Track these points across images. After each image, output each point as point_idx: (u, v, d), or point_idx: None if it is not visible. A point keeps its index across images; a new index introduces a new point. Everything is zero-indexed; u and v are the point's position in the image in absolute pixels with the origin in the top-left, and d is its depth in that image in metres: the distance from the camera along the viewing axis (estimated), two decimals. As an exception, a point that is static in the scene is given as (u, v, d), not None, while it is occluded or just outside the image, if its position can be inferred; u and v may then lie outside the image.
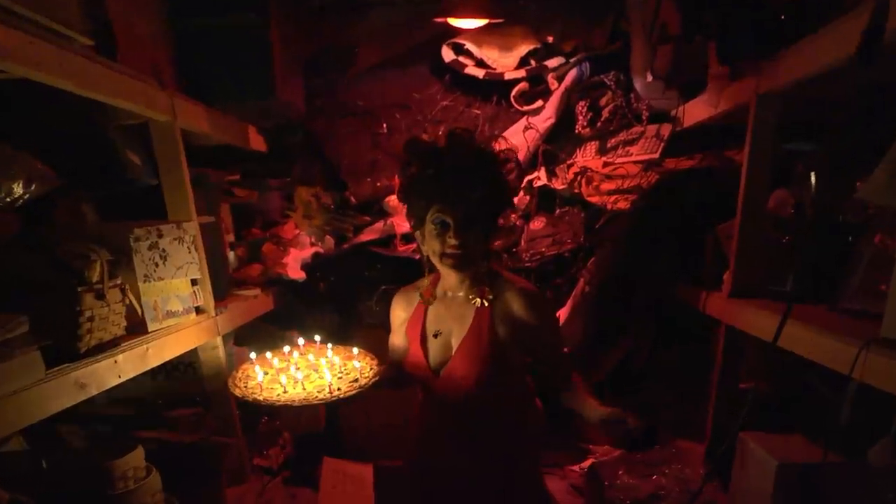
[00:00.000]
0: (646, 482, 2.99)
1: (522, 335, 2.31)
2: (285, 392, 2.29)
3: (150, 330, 2.54)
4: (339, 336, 3.79)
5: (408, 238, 4.01)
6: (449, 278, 2.39)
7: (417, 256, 3.78)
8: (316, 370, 2.48)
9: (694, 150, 3.86)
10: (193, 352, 3.00)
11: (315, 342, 2.73)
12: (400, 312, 2.57)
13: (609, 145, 4.10)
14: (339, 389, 2.28)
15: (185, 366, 3.11)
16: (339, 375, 2.42)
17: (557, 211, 4.12)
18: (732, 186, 3.07)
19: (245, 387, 2.33)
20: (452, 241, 2.22)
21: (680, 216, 3.49)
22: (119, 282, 2.31)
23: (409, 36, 4.33)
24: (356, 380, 2.36)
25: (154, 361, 2.49)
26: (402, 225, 4.01)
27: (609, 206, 3.81)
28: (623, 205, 3.77)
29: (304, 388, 2.31)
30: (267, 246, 3.92)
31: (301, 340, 2.71)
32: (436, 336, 2.41)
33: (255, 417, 3.57)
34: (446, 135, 2.31)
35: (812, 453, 2.42)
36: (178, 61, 3.31)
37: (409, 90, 4.33)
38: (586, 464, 3.69)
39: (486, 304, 2.32)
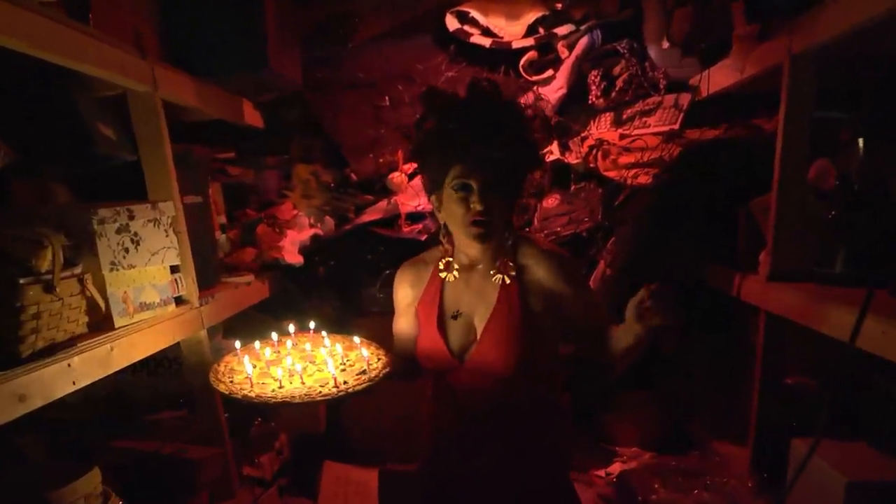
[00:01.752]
0: (686, 497, 2.59)
1: (555, 306, 2.01)
2: (282, 387, 1.93)
3: (117, 326, 2.15)
4: (341, 325, 3.44)
5: (413, 218, 3.73)
6: (469, 250, 2.08)
7: (424, 237, 3.54)
8: (313, 362, 2.13)
9: (716, 121, 3.54)
10: (179, 347, 2.64)
11: (309, 331, 2.38)
12: (407, 290, 2.24)
13: (625, 116, 3.80)
14: (345, 383, 1.93)
15: (170, 361, 2.73)
16: (343, 367, 2.08)
17: (572, 187, 3.78)
18: (764, 157, 2.77)
19: (231, 382, 1.98)
20: (477, 207, 1.93)
21: (707, 190, 3.18)
22: (78, 271, 1.92)
23: (413, 4, 4.05)
24: (364, 371, 2.01)
25: (121, 362, 2.11)
26: (407, 204, 3.74)
27: (629, 182, 3.49)
28: (644, 179, 3.45)
29: (304, 383, 1.96)
30: (261, 228, 3.59)
31: (292, 328, 2.36)
32: (455, 317, 2.09)
33: (248, 419, 3.18)
34: (468, 85, 2.02)
35: (883, 466, 2.02)
36: (164, 30, 2.99)
37: (412, 61, 4.05)
38: (613, 468, 3.36)
39: (509, 280, 2.01)
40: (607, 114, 3.85)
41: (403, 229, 3.72)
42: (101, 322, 2.10)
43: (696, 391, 3.31)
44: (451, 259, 2.13)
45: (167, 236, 2.36)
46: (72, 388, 1.84)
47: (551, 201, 3.73)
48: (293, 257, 3.51)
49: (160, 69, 2.57)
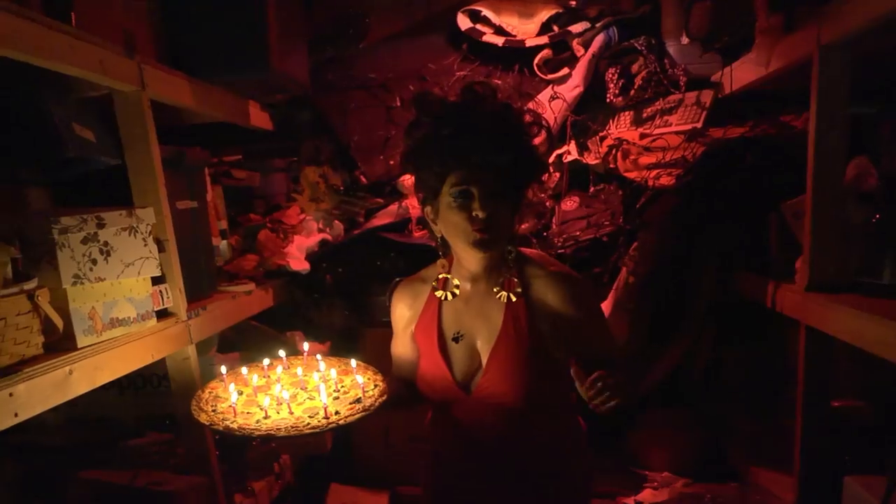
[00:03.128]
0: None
1: (564, 331, 1.80)
2: (267, 417, 1.74)
3: (80, 346, 1.89)
4: (349, 336, 3.31)
5: (424, 222, 3.38)
6: (469, 264, 1.87)
7: (434, 243, 3.22)
8: (305, 388, 1.92)
9: (741, 118, 3.27)
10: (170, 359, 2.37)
11: (303, 354, 2.18)
12: (404, 310, 2.04)
13: (645, 115, 3.56)
14: (336, 413, 1.73)
15: (159, 379, 2.43)
16: (337, 394, 1.86)
17: (591, 189, 3.50)
18: (795, 157, 2.52)
19: (213, 411, 1.79)
20: (480, 214, 1.73)
21: (734, 192, 2.92)
22: (31, 286, 1.67)
23: (425, 4, 3.94)
24: (358, 399, 1.80)
25: (83, 386, 1.85)
26: (418, 208, 3.39)
27: (650, 183, 3.20)
28: (666, 180, 3.17)
29: (292, 412, 1.76)
30: (264, 233, 3.33)
31: (282, 353, 2.15)
32: (456, 339, 1.88)
33: (245, 438, 2.87)
34: (461, 89, 1.84)
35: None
36: (163, 31, 2.81)
37: (423, 61, 3.85)
38: (644, 496, 3.09)
39: (515, 298, 1.80)
40: (626, 112, 3.62)
41: (415, 234, 3.49)
42: (60, 342, 1.84)
43: (730, 409, 2.99)
44: (448, 276, 1.93)
45: (145, 245, 2.11)
46: (14, 421, 1.58)
47: (570, 204, 3.47)
48: (299, 264, 3.26)
49: (150, 69, 2.37)
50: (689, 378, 2.99)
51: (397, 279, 3.20)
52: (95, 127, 2.28)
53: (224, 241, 3.19)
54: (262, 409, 1.76)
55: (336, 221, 3.59)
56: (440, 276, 1.94)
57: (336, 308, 3.38)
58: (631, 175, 3.33)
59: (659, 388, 3.08)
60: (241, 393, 1.89)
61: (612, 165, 3.43)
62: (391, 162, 3.76)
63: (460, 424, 1.86)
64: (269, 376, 2.02)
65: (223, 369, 2.01)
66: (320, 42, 3.82)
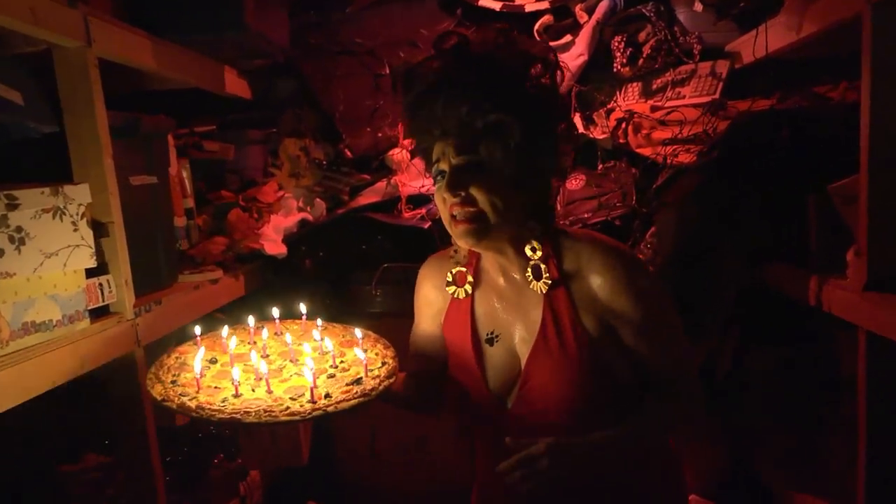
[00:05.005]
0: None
1: (617, 329, 1.45)
2: (238, 396, 1.36)
3: (-22, 359, 1.48)
4: None
5: (415, 201, 3.14)
6: (469, 250, 1.54)
7: (427, 225, 2.89)
8: (295, 360, 1.56)
9: (766, 90, 2.93)
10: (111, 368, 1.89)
11: (301, 318, 1.85)
12: (432, 293, 1.67)
13: (654, 87, 3.26)
14: (327, 397, 1.34)
15: (98, 387, 1.95)
16: (331, 372, 1.48)
17: (600, 166, 3.13)
18: (834, 133, 2.22)
19: (171, 383, 1.43)
20: (447, 197, 1.43)
21: (765, 171, 2.49)
22: None
23: None
24: (358, 380, 1.42)
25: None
26: (408, 185, 3.18)
27: (669, 160, 2.81)
28: (685, 157, 2.77)
29: (271, 391, 1.38)
30: (234, 212, 2.93)
31: (276, 312, 1.83)
32: (490, 341, 1.52)
33: (206, 454, 2.45)
34: (433, 41, 1.55)
35: None
36: None
37: (415, 26, 3.50)
38: None
39: (544, 288, 1.45)
40: (635, 83, 3.30)
41: (404, 214, 3.12)
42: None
43: (760, 420, 2.58)
44: (464, 269, 1.57)
45: (76, 230, 1.68)
46: None
47: (576, 182, 3.10)
48: (275, 247, 2.85)
49: (99, 21, 1.98)
50: (712, 381, 2.57)
51: (384, 265, 2.88)
52: (27, 88, 1.88)
53: (189, 222, 2.79)
54: (232, 384, 1.39)
55: (318, 199, 3.24)
56: (455, 270, 1.57)
57: (316, 297, 2.94)
58: (644, 151, 2.96)
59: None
60: (213, 362, 1.55)
61: (621, 140, 3.06)
62: (379, 134, 3.45)
63: (499, 448, 1.45)
64: (255, 342, 1.68)
65: (198, 330, 1.68)
66: (304, 3, 3.48)
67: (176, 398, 1.36)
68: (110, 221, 1.88)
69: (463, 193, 1.39)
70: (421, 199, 3.09)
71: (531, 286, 1.46)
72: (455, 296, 1.56)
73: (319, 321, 1.81)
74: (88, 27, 1.91)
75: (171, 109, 2.61)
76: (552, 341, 1.42)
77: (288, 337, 1.66)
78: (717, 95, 3.02)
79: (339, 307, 2.93)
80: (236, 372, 1.41)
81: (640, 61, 3.21)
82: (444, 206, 1.45)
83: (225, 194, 3.16)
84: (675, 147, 2.84)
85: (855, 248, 2.00)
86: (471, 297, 1.55)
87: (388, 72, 3.45)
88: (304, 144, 3.28)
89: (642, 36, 3.25)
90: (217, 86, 2.97)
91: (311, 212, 3.15)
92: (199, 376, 1.42)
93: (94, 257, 1.72)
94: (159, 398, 1.39)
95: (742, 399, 2.64)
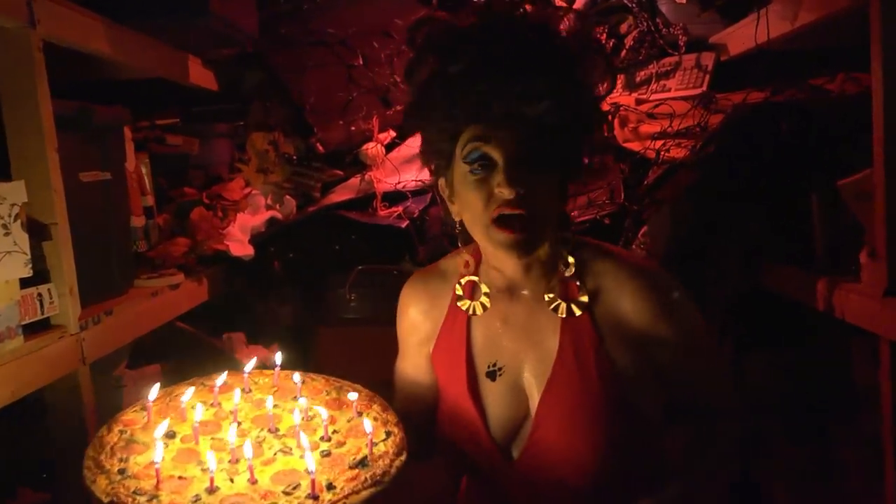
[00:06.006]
0: None
1: (650, 361, 1.24)
2: (213, 491, 1.08)
3: None
4: (301, 339, 2.73)
5: (391, 199, 2.99)
6: (503, 264, 1.29)
7: (405, 224, 2.73)
8: (275, 430, 1.27)
9: (758, 83, 2.83)
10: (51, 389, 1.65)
11: (274, 368, 1.49)
12: (418, 319, 1.43)
13: (638, 79, 3.25)
14: (331, 488, 1.08)
15: (38, 409, 1.71)
16: (325, 448, 1.20)
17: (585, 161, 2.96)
18: (834, 127, 2.19)
19: (119, 474, 1.10)
20: (505, 193, 1.17)
21: (765, 166, 2.40)
22: None
23: None
24: (363, 462, 1.14)
25: None
26: (384, 181, 3.04)
27: (662, 155, 2.71)
28: (677, 153, 2.67)
29: (255, 481, 1.10)
30: (197, 211, 2.75)
31: (249, 366, 1.48)
32: (492, 375, 1.28)
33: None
34: (475, 9, 1.30)
35: None
36: None
37: (390, 15, 3.36)
38: None
39: (578, 311, 1.23)
40: (618, 76, 3.18)
41: (380, 212, 2.98)
42: None
43: (761, 428, 2.44)
44: (476, 280, 1.34)
45: (7, 235, 1.45)
46: None
47: None
48: (241, 248, 2.68)
49: (45, 2, 1.81)
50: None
51: (359, 267, 2.68)
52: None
53: (148, 222, 2.60)
54: (205, 472, 1.11)
55: (287, 196, 3.09)
56: (465, 280, 1.35)
57: (285, 302, 2.84)
58: (632, 146, 2.85)
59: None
60: (171, 436, 1.23)
61: (606, 134, 2.89)
62: (352, 128, 3.32)
63: (503, 499, 1.27)
64: (219, 404, 1.35)
65: (153, 393, 1.33)
66: (272, -8, 3.41)
67: (128, 498, 1.05)
68: (53, 223, 1.67)
69: (522, 192, 1.17)
70: (397, 197, 2.98)
71: (551, 307, 1.24)
72: (470, 312, 1.32)
73: (296, 376, 1.47)
74: (32, 6, 1.73)
75: (132, 101, 2.50)
76: (572, 376, 1.20)
77: (269, 402, 1.34)
78: (704, 88, 2.99)
79: (309, 314, 2.81)
80: (211, 458, 1.12)
81: (623, 53, 3.16)
82: (484, 203, 1.21)
83: (188, 191, 3.01)
84: (665, 142, 2.75)
85: (868, 249, 1.85)
86: (466, 321, 1.32)
87: (361, 62, 3.35)
88: (273, 138, 3.18)
89: (624, 27, 3.22)
90: (181, 75, 2.83)
91: (280, 210, 3.01)
92: (157, 465, 1.10)
93: (30, 265, 1.50)
94: (105, 499, 1.07)
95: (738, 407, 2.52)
